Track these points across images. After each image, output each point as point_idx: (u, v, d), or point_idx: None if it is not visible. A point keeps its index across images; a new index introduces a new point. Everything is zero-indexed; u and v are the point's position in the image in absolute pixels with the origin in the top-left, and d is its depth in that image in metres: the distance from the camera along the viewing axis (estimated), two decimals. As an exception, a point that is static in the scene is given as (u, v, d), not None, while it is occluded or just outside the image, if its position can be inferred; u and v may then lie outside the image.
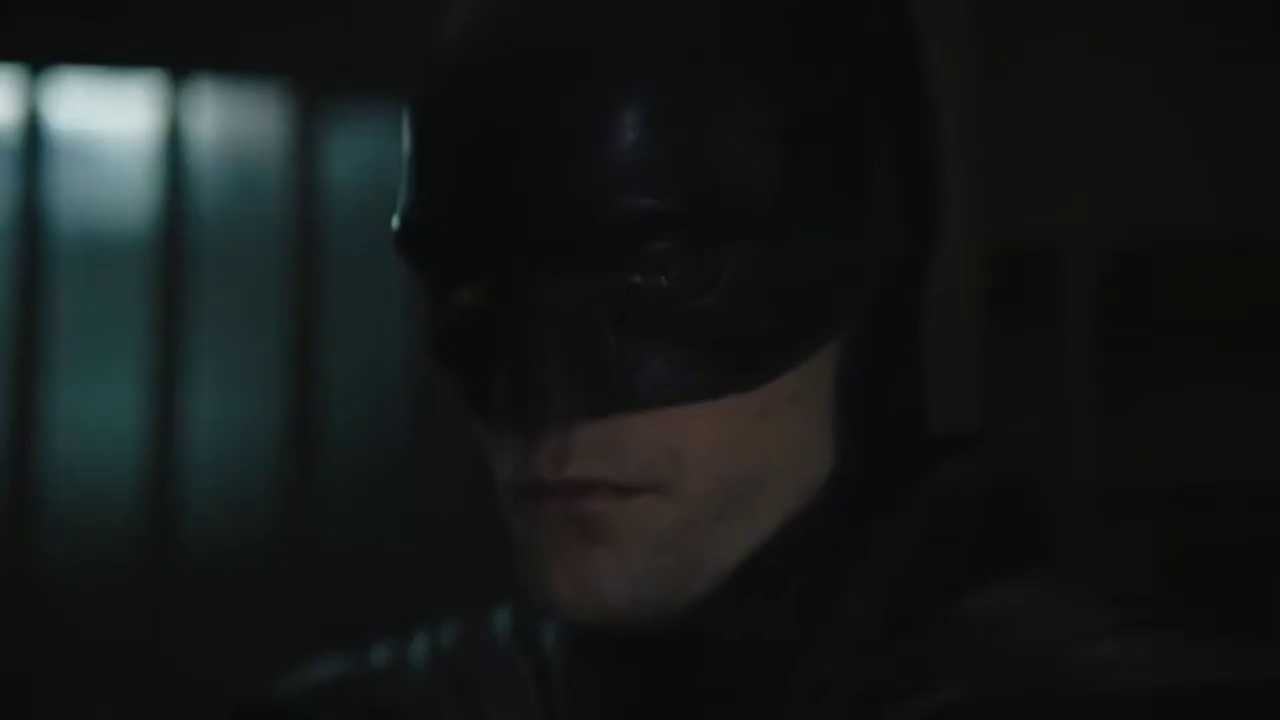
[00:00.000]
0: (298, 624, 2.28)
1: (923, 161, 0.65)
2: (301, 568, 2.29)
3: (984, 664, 0.60)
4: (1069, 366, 2.19)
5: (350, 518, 2.32)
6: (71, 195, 2.31)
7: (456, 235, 0.59)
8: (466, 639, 0.75)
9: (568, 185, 0.57)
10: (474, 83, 0.59)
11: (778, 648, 0.61)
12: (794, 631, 0.61)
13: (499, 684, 0.71)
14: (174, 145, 2.32)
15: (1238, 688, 0.56)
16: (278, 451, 2.31)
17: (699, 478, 0.60)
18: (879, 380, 0.64)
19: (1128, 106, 2.28)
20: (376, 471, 2.34)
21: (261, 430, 2.32)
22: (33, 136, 2.29)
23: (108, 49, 2.31)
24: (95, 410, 2.29)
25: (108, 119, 2.33)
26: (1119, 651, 0.59)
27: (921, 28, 0.67)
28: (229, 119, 2.36)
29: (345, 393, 2.33)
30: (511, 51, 0.58)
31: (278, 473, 2.31)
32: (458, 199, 0.59)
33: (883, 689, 0.60)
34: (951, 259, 2.06)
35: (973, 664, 0.60)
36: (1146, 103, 2.28)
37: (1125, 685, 0.57)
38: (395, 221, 0.62)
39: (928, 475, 0.65)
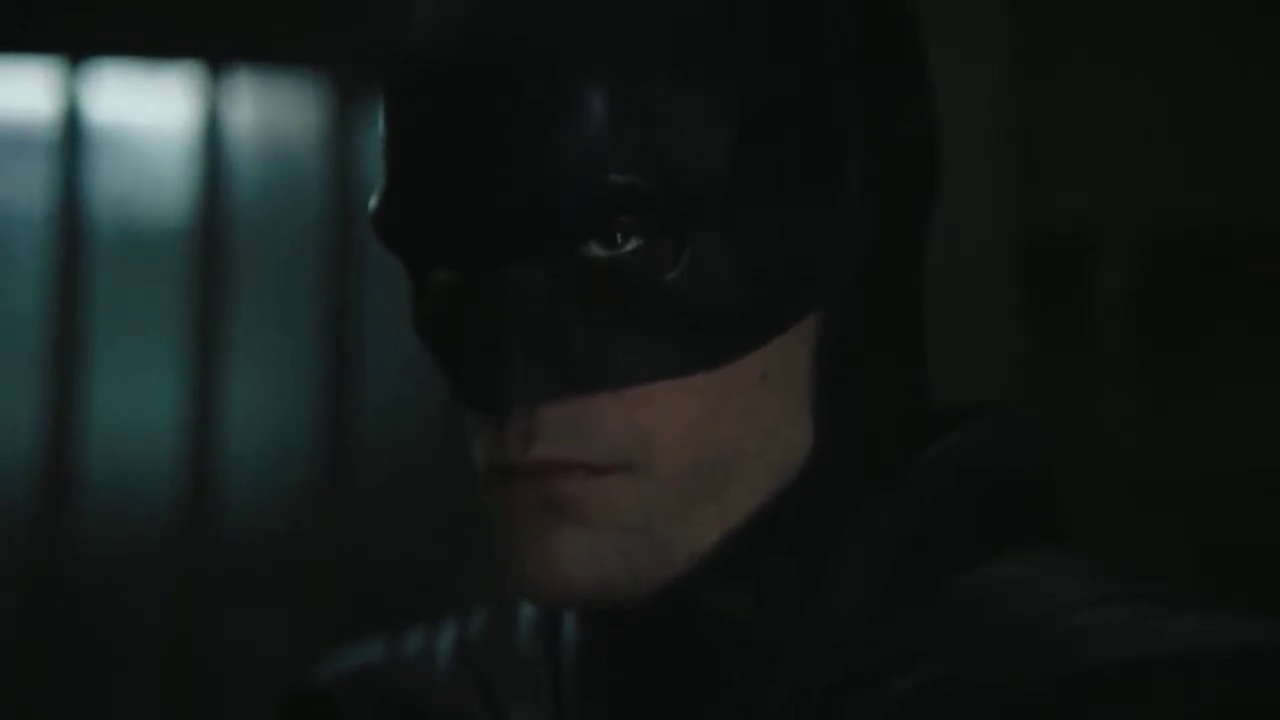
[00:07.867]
0: (333, 615, 2.29)
1: (906, 138, 0.64)
2: (337, 560, 2.30)
3: (964, 644, 0.60)
4: (1104, 355, 2.18)
5: (385, 510, 2.33)
6: (109, 188, 2.33)
7: (426, 220, 0.60)
8: (491, 629, 0.75)
9: (533, 167, 0.57)
10: (441, 68, 0.59)
11: (758, 629, 0.61)
12: (775, 613, 0.61)
13: (517, 676, 0.71)
14: (212, 138, 2.33)
15: (1206, 656, 0.55)
16: (314, 443, 2.32)
17: (668, 458, 0.60)
18: (861, 360, 0.63)
19: (1163, 90, 2.26)
20: (412, 463, 2.35)
21: (298, 422, 2.33)
22: (71, 129, 2.31)
23: (145, 42, 2.32)
24: (132, 402, 2.30)
25: (146, 111, 2.35)
26: (1093, 624, 0.58)
27: (909, 5, 0.66)
28: (267, 112, 2.37)
29: (381, 384, 2.34)
30: (477, 37, 0.59)
31: (313, 465, 2.32)
32: (426, 185, 0.59)
33: (867, 671, 0.60)
34: (984, 246, 2.05)
35: (955, 644, 0.60)
36: (1183, 86, 2.26)
37: (1093, 659, 0.57)
38: (372, 202, 0.63)
39: (920, 452, 0.64)
